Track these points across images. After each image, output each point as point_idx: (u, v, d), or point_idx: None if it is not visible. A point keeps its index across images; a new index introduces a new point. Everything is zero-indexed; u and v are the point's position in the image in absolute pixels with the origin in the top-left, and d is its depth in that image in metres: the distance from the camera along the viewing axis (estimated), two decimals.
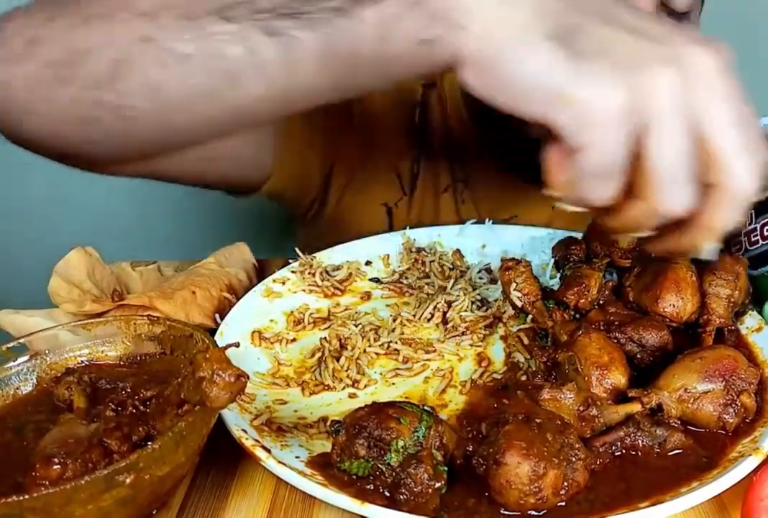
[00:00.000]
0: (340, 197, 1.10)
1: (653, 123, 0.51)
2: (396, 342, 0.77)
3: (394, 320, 0.81)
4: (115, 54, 0.62)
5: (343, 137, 1.06)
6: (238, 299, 0.82)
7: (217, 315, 0.80)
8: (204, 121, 0.66)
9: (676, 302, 0.72)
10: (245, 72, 0.60)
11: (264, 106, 0.64)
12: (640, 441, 0.60)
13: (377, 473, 0.56)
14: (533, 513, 0.54)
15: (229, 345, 0.55)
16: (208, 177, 0.92)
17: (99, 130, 0.66)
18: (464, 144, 1.08)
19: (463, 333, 0.79)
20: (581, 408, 0.59)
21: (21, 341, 0.65)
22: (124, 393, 0.60)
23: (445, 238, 0.96)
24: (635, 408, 0.60)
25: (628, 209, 0.55)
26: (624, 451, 0.59)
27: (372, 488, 0.55)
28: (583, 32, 0.52)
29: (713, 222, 0.55)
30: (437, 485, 0.54)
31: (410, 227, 0.97)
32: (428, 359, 0.76)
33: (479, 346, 0.77)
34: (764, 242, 0.79)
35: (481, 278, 0.88)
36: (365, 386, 0.72)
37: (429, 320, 0.81)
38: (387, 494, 0.55)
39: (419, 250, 0.93)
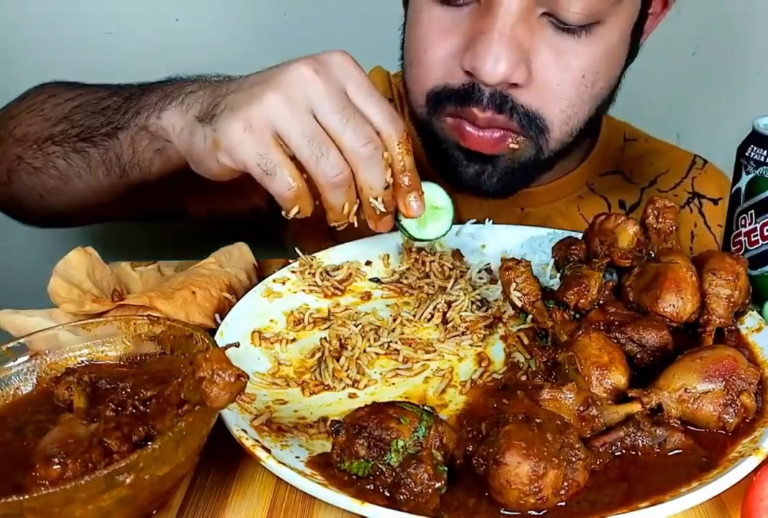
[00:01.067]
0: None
1: (280, 131, 0.70)
2: (396, 342, 0.77)
3: (394, 320, 0.81)
4: (7, 166, 0.97)
5: None
6: (238, 299, 0.82)
7: (217, 315, 0.80)
8: (64, 206, 0.98)
9: (676, 302, 0.71)
10: (70, 177, 0.92)
11: (92, 196, 0.94)
12: (640, 441, 0.60)
13: (377, 473, 0.56)
14: (533, 513, 0.54)
15: (229, 345, 0.55)
16: (139, 217, 1.17)
17: (14, 210, 1.06)
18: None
19: (463, 333, 0.79)
20: (581, 408, 0.59)
21: (21, 341, 0.65)
22: (124, 393, 0.60)
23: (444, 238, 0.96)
24: (635, 408, 0.60)
25: (322, 197, 0.74)
26: (624, 451, 0.59)
27: (372, 488, 0.55)
28: (218, 105, 0.74)
29: (365, 183, 0.73)
30: (437, 485, 0.54)
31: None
32: (428, 359, 0.76)
33: (479, 346, 0.77)
34: (764, 242, 0.79)
35: (481, 278, 0.88)
36: (365, 386, 0.72)
37: (429, 320, 0.81)
38: (387, 494, 0.55)
39: (419, 250, 0.93)
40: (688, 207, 1.15)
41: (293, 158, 0.71)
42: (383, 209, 0.75)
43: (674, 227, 0.80)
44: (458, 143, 0.94)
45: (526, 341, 0.75)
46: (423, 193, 0.78)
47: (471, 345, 0.77)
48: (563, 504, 0.55)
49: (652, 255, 0.79)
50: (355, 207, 0.75)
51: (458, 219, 1.08)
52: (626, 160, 1.17)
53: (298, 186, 0.72)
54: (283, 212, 0.74)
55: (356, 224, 0.77)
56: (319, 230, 1.01)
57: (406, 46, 0.97)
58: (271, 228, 1.15)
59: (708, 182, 1.15)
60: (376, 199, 0.74)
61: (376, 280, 0.90)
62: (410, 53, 0.95)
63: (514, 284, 0.78)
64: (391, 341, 0.77)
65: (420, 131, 1.00)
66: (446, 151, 0.96)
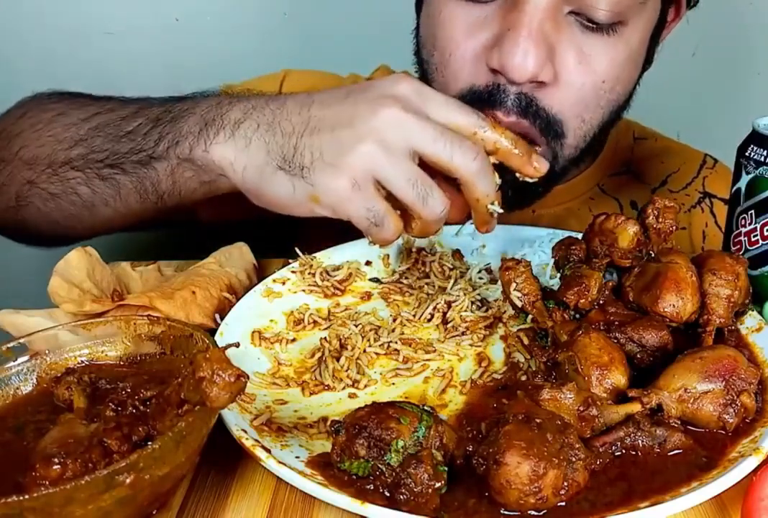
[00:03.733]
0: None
1: (380, 177, 0.71)
2: (396, 342, 0.77)
3: (394, 320, 0.81)
4: (14, 190, 0.90)
5: None
6: (238, 299, 0.82)
7: (217, 315, 0.80)
8: (85, 233, 0.93)
9: (676, 302, 0.71)
10: (95, 203, 0.86)
11: (118, 222, 0.90)
12: (640, 441, 0.60)
13: (377, 473, 0.56)
14: (533, 513, 0.54)
15: (229, 345, 0.55)
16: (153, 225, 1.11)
17: (20, 234, 0.99)
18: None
19: (463, 333, 0.79)
20: (581, 408, 0.59)
21: (21, 341, 0.65)
22: (124, 392, 0.60)
23: (444, 238, 0.96)
24: (635, 408, 0.60)
25: (418, 223, 0.76)
26: (624, 451, 0.59)
27: (372, 488, 0.55)
28: (298, 151, 0.72)
29: (478, 195, 0.76)
30: (437, 485, 0.54)
31: None
32: (428, 359, 0.76)
33: (479, 346, 0.77)
34: (764, 242, 0.79)
35: (481, 278, 0.88)
36: (365, 386, 0.72)
37: (429, 320, 0.81)
38: (387, 494, 0.55)
39: (419, 250, 0.93)
40: (699, 207, 1.14)
41: (388, 197, 0.73)
42: (500, 210, 0.77)
43: (674, 227, 0.80)
44: None
45: (526, 341, 0.75)
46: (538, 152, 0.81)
47: (471, 345, 0.77)
48: (563, 504, 0.55)
49: (652, 255, 0.78)
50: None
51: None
52: (636, 159, 1.16)
53: (400, 230, 0.75)
54: (371, 242, 0.78)
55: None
56: (329, 235, 1.02)
57: (426, 48, 0.94)
58: (275, 232, 1.16)
59: (718, 181, 1.14)
60: (493, 203, 0.76)
61: (376, 280, 0.90)
62: (435, 57, 0.92)
63: (514, 284, 0.78)
64: (391, 341, 0.77)
65: None
66: None
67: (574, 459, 0.55)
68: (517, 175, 0.80)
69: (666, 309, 0.71)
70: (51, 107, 0.93)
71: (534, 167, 0.79)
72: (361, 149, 0.70)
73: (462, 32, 0.88)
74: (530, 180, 0.79)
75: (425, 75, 0.95)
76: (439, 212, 0.73)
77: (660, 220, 0.80)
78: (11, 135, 0.93)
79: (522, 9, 0.82)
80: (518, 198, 0.94)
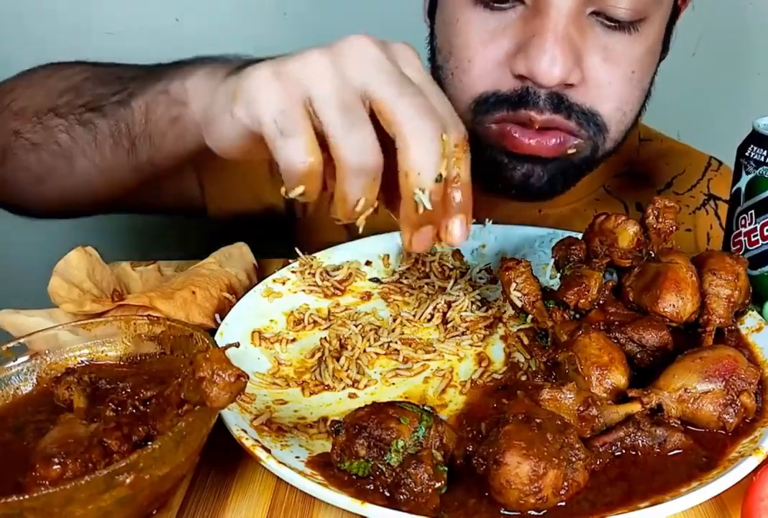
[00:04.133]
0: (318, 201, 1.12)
1: (311, 92, 0.58)
2: (396, 342, 0.77)
3: (394, 320, 0.81)
4: (2, 142, 0.87)
5: None
6: (238, 299, 0.82)
7: (217, 315, 0.80)
8: (60, 192, 0.89)
9: (676, 302, 0.71)
10: (73, 153, 0.83)
11: (95, 178, 0.85)
12: (640, 441, 0.60)
13: (377, 473, 0.56)
14: (533, 513, 0.54)
15: (229, 345, 0.55)
16: (156, 210, 1.11)
17: (6, 194, 0.93)
18: None
19: (463, 333, 0.79)
20: (581, 408, 0.59)
21: (21, 341, 0.65)
22: (124, 392, 0.60)
23: None
24: (635, 408, 0.60)
25: (332, 180, 0.60)
26: (624, 451, 0.59)
27: (372, 488, 0.55)
28: (253, 64, 0.62)
29: (409, 167, 0.58)
30: (437, 485, 0.54)
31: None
32: (428, 359, 0.76)
33: (479, 346, 0.77)
34: (764, 242, 0.79)
35: (481, 278, 0.88)
36: (365, 386, 0.72)
37: (429, 320, 0.81)
38: (387, 494, 0.55)
39: None
40: (704, 209, 1.14)
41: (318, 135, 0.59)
42: (428, 206, 0.59)
43: (674, 227, 0.80)
44: (505, 149, 0.92)
45: (526, 341, 0.75)
46: (471, 218, 0.65)
47: (471, 345, 0.77)
48: (563, 504, 0.55)
49: (652, 255, 0.78)
50: (371, 209, 0.61)
51: (476, 219, 1.08)
52: (642, 160, 1.16)
53: (311, 161, 0.58)
54: (283, 190, 0.61)
55: (360, 229, 0.63)
56: (333, 233, 1.02)
57: (442, 54, 0.94)
58: (283, 228, 1.16)
59: (723, 183, 1.14)
60: (422, 191, 0.58)
61: (376, 280, 0.90)
62: (451, 63, 0.92)
63: (514, 284, 0.78)
64: (391, 341, 0.77)
65: None
66: (491, 157, 0.94)
67: (574, 459, 0.55)
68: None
69: (666, 309, 0.71)
70: (48, 68, 0.92)
71: (447, 227, 0.63)
72: (309, 56, 0.59)
73: (480, 39, 0.88)
74: (425, 205, 0.59)
75: (440, 80, 0.95)
76: (361, 155, 0.57)
77: (660, 220, 0.80)
78: (4, 92, 0.91)
79: (546, 14, 0.82)
80: (552, 185, 0.94)
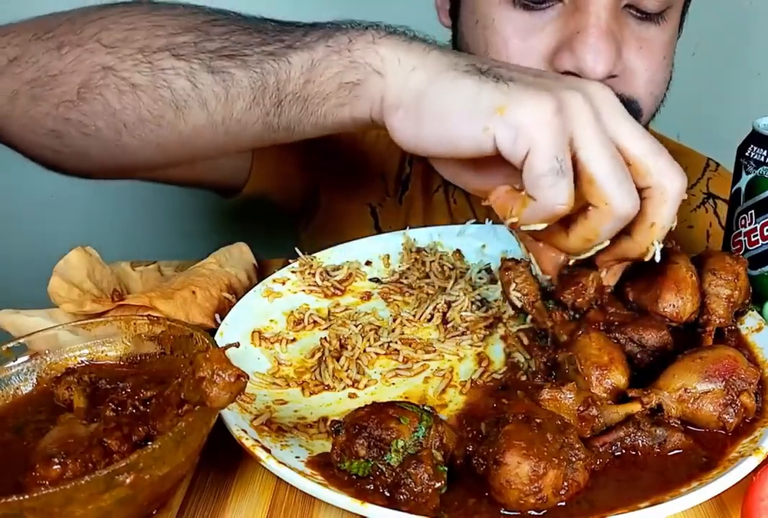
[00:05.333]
0: (328, 198, 1.13)
1: (580, 133, 0.58)
2: (396, 342, 0.77)
3: (394, 320, 0.81)
4: (80, 79, 0.71)
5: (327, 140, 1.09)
6: (238, 299, 0.82)
7: (217, 315, 0.80)
8: (152, 147, 0.74)
9: (676, 302, 0.71)
10: (189, 103, 0.69)
11: (205, 137, 0.72)
12: (640, 441, 0.60)
13: (377, 473, 0.56)
14: (533, 513, 0.54)
15: (229, 345, 0.55)
16: (191, 180, 1.00)
17: (66, 143, 0.76)
18: None
19: (463, 333, 0.79)
20: (581, 408, 0.59)
21: (21, 341, 0.65)
22: (124, 392, 0.60)
23: (445, 238, 0.96)
24: (635, 408, 0.60)
25: (584, 220, 0.61)
26: (624, 451, 0.59)
27: (372, 488, 0.55)
28: (494, 70, 0.60)
29: (658, 220, 0.62)
30: (437, 485, 0.54)
31: (401, 228, 0.97)
32: (428, 359, 0.76)
33: (479, 346, 0.77)
34: (764, 242, 0.79)
35: (481, 278, 0.88)
36: (365, 387, 0.72)
37: (429, 320, 0.81)
38: (387, 494, 0.55)
39: (419, 250, 0.93)
40: (703, 207, 1.16)
41: None
42: (658, 258, 0.65)
43: (673, 224, 0.80)
44: None
45: (526, 341, 0.75)
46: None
47: (471, 345, 0.77)
48: (563, 504, 0.55)
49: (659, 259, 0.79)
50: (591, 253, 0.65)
51: (486, 214, 1.08)
52: None
53: (571, 205, 0.58)
54: (513, 220, 0.61)
55: (571, 262, 0.69)
56: (328, 235, 1.02)
57: (477, 54, 0.93)
58: (293, 223, 1.16)
59: (722, 183, 1.17)
60: (657, 242, 0.64)
61: (376, 280, 0.90)
62: (489, 55, 0.92)
63: (513, 285, 0.78)
64: (391, 341, 0.77)
65: None
66: None
67: (574, 459, 0.55)
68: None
69: (666, 309, 0.71)
70: (141, 4, 0.77)
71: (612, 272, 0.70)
72: (573, 94, 0.58)
73: (519, 37, 0.89)
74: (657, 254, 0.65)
75: None
76: (629, 207, 0.59)
77: None
78: (88, 20, 0.74)
79: (587, 10, 0.84)
80: None
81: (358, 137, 1.12)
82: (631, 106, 0.92)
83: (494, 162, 0.61)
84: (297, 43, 0.67)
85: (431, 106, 0.61)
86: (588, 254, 0.65)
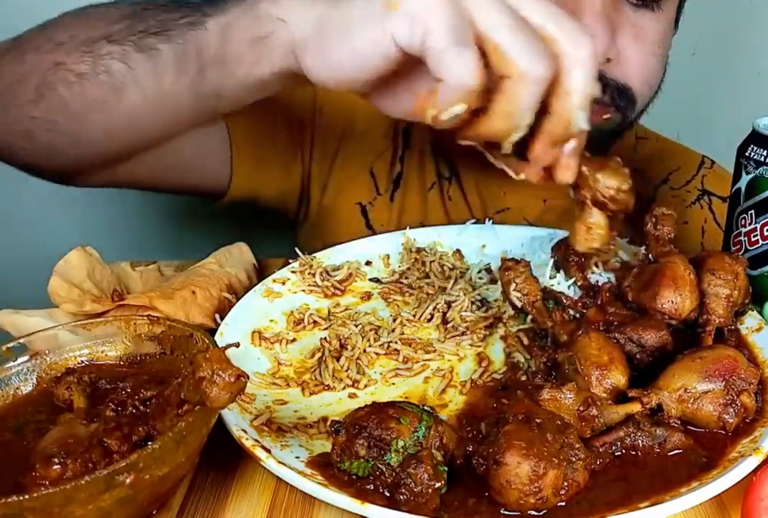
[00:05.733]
0: (320, 197, 1.13)
1: (475, 7, 0.57)
2: (396, 342, 0.77)
3: (394, 320, 0.81)
4: (38, 78, 0.77)
5: (316, 139, 1.10)
6: (238, 299, 0.82)
7: (217, 315, 0.80)
8: (104, 133, 0.80)
9: (674, 298, 0.72)
10: (125, 83, 0.74)
11: (146, 116, 0.77)
12: (640, 441, 0.60)
13: (377, 473, 0.56)
14: (533, 513, 0.54)
15: (229, 345, 0.55)
16: (175, 185, 1.03)
17: (35, 142, 0.81)
18: (450, 140, 1.09)
19: (463, 333, 0.79)
20: (581, 408, 0.59)
21: (21, 341, 0.65)
22: (124, 392, 0.60)
23: (445, 238, 0.96)
24: (635, 408, 0.60)
25: (501, 95, 0.59)
26: (624, 451, 0.59)
27: (372, 488, 0.55)
28: None
29: (572, 87, 0.59)
30: (437, 485, 0.54)
31: (393, 227, 0.97)
32: (428, 360, 0.76)
33: (479, 346, 0.77)
34: (764, 242, 0.79)
35: (481, 278, 0.88)
36: (365, 387, 0.72)
37: (429, 320, 0.81)
38: (387, 494, 0.55)
39: (419, 250, 0.93)
40: (698, 204, 1.17)
41: None
42: (585, 125, 0.61)
43: (672, 235, 0.81)
44: None
45: (526, 341, 0.75)
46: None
47: (471, 345, 0.77)
48: (563, 504, 0.55)
49: (651, 260, 0.79)
50: (524, 132, 0.61)
51: (483, 209, 1.08)
52: (639, 158, 1.19)
53: (482, 78, 0.57)
54: (433, 111, 0.60)
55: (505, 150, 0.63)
56: (336, 236, 1.02)
57: None
58: (285, 228, 1.16)
59: (717, 180, 1.17)
60: (580, 110, 0.60)
61: (376, 280, 0.90)
62: None
63: (513, 285, 0.78)
64: (391, 341, 0.77)
65: None
66: None
67: (574, 459, 0.55)
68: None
69: (665, 305, 0.72)
70: (100, 5, 0.82)
71: (565, 165, 0.65)
72: None
73: None
74: (582, 125, 0.61)
75: None
76: (540, 65, 0.57)
77: (658, 227, 0.81)
78: (53, 23, 0.81)
79: None
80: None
81: (346, 133, 1.11)
82: (625, 93, 0.93)
83: (418, 74, 0.62)
84: (214, 10, 0.70)
85: (332, 29, 0.62)
86: (518, 135, 0.61)
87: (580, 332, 0.67)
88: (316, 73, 0.64)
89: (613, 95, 0.93)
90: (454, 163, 1.12)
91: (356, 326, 0.79)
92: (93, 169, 0.90)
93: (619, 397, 0.63)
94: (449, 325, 0.80)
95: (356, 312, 0.83)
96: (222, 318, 0.78)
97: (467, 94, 0.58)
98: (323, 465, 0.58)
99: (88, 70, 0.75)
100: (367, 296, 0.88)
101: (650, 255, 0.80)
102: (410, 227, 0.97)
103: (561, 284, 0.82)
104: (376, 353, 0.76)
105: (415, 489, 0.54)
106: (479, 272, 0.89)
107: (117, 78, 0.74)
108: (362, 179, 1.13)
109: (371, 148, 1.13)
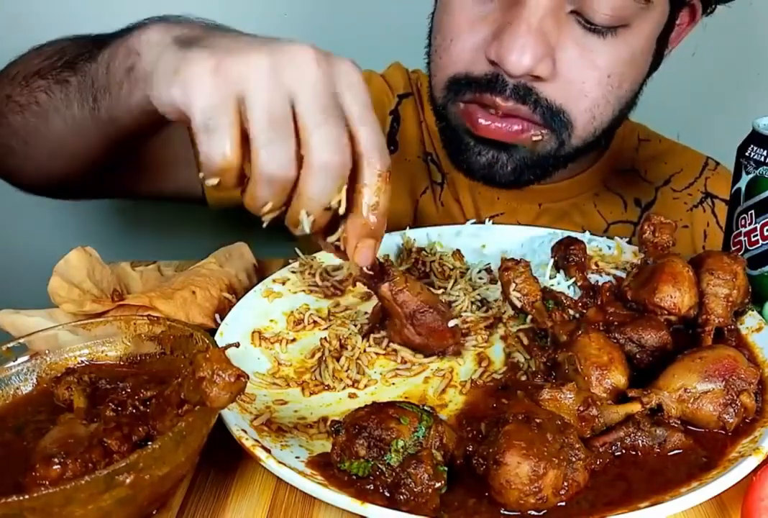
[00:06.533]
0: None
1: (248, 91, 0.59)
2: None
3: None
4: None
5: None
6: (238, 299, 0.82)
7: (217, 315, 0.80)
8: (46, 154, 0.90)
9: (673, 293, 0.72)
10: (50, 112, 0.84)
11: (71, 139, 0.86)
12: (640, 441, 0.60)
13: (377, 473, 0.56)
14: (533, 513, 0.54)
15: (229, 345, 0.55)
16: (157, 194, 1.09)
17: (4, 161, 0.96)
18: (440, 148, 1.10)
19: (463, 334, 0.79)
20: (581, 408, 0.59)
21: (21, 341, 0.65)
22: (124, 392, 0.60)
23: (445, 238, 0.96)
24: (635, 408, 0.60)
25: (250, 182, 0.61)
26: (624, 451, 0.59)
27: (372, 488, 0.55)
28: (203, 39, 0.65)
29: (304, 191, 0.60)
30: (437, 485, 0.54)
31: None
32: (429, 361, 0.75)
33: (479, 346, 0.77)
34: (764, 242, 0.79)
35: (481, 278, 0.88)
36: (365, 387, 0.72)
37: None
38: (387, 494, 0.55)
39: (419, 250, 0.93)
40: (701, 207, 1.16)
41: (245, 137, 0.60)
42: (307, 229, 0.63)
43: (671, 242, 0.81)
44: (470, 130, 0.94)
45: (525, 341, 0.75)
46: (380, 244, 0.67)
47: (471, 346, 0.77)
48: (563, 504, 0.55)
49: (649, 264, 0.79)
50: (275, 213, 0.63)
51: (476, 214, 1.08)
52: (641, 160, 1.18)
53: (229, 160, 0.59)
54: (201, 175, 0.62)
55: (264, 225, 0.65)
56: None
57: (433, 33, 0.98)
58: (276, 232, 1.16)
59: (720, 182, 1.16)
60: (307, 214, 0.62)
61: None
62: (437, 40, 0.96)
63: (513, 285, 0.78)
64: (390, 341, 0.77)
65: (438, 118, 1.01)
66: (458, 137, 0.97)
67: (574, 459, 0.55)
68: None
69: (664, 300, 0.72)
70: (54, 41, 0.93)
71: (357, 246, 0.65)
72: (253, 56, 0.60)
73: (466, 21, 0.91)
74: (305, 228, 0.63)
75: (428, 56, 0.99)
76: (274, 167, 0.59)
77: (656, 234, 0.82)
78: (16, 59, 0.94)
79: (523, 5, 0.84)
80: (518, 175, 0.96)
81: None
82: (558, 116, 0.90)
83: None
84: (104, 44, 0.77)
85: (153, 78, 0.65)
86: (266, 217, 0.64)
87: (580, 332, 0.67)
88: (157, 106, 0.66)
89: (545, 116, 0.90)
90: (445, 168, 1.12)
91: (356, 326, 0.79)
92: (69, 185, 0.98)
93: (619, 397, 0.63)
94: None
95: (356, 312, 0.83)
96: (222, 318, 0.78)
97: (219, 170, 0.60)
98: (323, 465, 0.58)
99: (25, 101, 0.87)
100: (367, 296, 0.87)
101: (648, 261, 0.81)
102: (410, 227, 0.97)
103: (561, 284, 0.82)
104: (376, 353, 0.76)
105: (415, 489, 0.54)
106: (479, 272, 0.89)
107: (43, 107, 0.85)
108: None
109: None
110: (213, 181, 0.61)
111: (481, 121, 0.91)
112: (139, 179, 1.01)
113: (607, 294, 0.78)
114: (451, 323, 0.73)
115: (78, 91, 0.81)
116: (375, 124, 0.63)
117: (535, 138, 0.92)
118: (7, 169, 0.97)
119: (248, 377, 0.53)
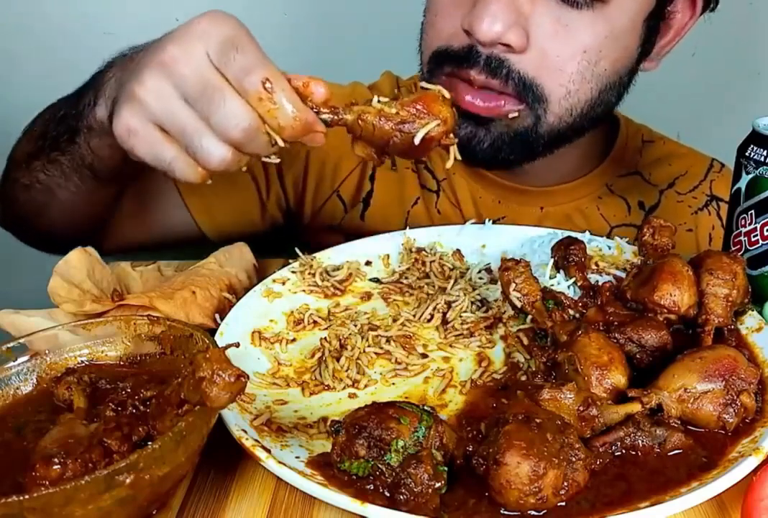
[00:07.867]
0: (297, 221, 1.15)
1: (159, 121, 0.66)
2: (394, 342, 0.77)
3: (394, 321, 0.81)
4: (8, 190, 0.99)
5: (289, 167, 1.12)
6: (238, 299, 0.82)
7: (217, 315, 0.80)
8: (56, 223, 0.99)
9: (673, 292, 0.72)
10: (51, 186, 0.92)
11: (80, 206, 0.95)
12: (640, 441, 0.60)
13: (377, 473, 0.56)
14: (533, 513, 0.54)
15: (229, 345, 0.55)
16: (159, 243, 1.12)
17: (19, 224, 1.06)
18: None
19: (463, 334, 0.79)
20: (581, 408, 0.59)
21: (21, 341, 0.65)
22: (124, 392, 0.60)
23: (445, 238, 0.96)
24: (635, 408, 0.60)
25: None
26: (624, 451, 0.59)
27: (372, 488, 0.55)
28: (119, 97, 0.71)
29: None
30: (437, 485, 0.54)
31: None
32: (429, 361, 0.75)
33: (479, 346, 0.77)
34: (764, 242, 0.79)
35: (481, 278, 0.88)
36: (365, 387, 0.72)
37: (429, 320, 0.81)
38: (387, 494, 0.55)
39: (419, 250, 0.93)
40: (706, 210, 1.15)
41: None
42: (282, 143, 0.66)
43: (671, 245, 0.81)
44: None
45: (525, 341, 0.75)
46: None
47: (471, 346, 0.77)
48: (563, 504, 0.55)
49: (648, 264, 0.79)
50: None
51: (477, 217, 1.08)
52: (644, 162, 1.17)
53: (200, 172, 0.68)
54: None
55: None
56: (337, 238, 1.03)
57: (425, 8, 0.99)
58: (275, 232, 1.17)
59: (726, 185, 1.14)
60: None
61: (376, 280, 0.90)
62: (426, 17, 0.97)
63: (513, 285, 0.78)
64: (390, 340, 0.77)
65: None
66: None
67: (574, 459, 0.55)
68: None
69: (664, 299, 0.72)
70: (40, 115, 1.00)
71: (311, 86, 0.67)
72: (138, 92, 0.67)
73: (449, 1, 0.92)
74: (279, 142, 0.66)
75: (420, 33, 1.00)
76: (215, 160, 0.65)
77: (656, 237, 0.82)
78: (14, 147, 1.01)
79: None
80: (494, 152, 0.95)
81: (311, 155, 1.12)
82: (532, 89, 0.90)
83: None
84: (77, 125, 0.85)
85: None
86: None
87: (580, 332, 0.67)
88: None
89: (518, 89, 0.89)
90: (442, 173, 1.11)
91: (356, 326, 0.79)
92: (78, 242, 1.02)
93: (619, 397, 0.63)
94: (449, 325, 0.80)
95: (356, 312, 0.83)
96: (222, 318, 0.78)
97: (202, 181, 0.69)
98: (323, 465, 0.58)
99: (28, 182, 0.95)
100: (367, 296, 0.88)
101: (648, 262, 0.81)
102: (410, 228, 0.97)
103: (561, 284, 0.82)
104: (376, 354, 0.76)
105: (415, 489, 0.54)
106: (479, 272, 0.89)
107: (45, 185, 0.93)
108: (331, 203, 1.13)
109: (337, 169, 1.12)
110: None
111: (461, 93, 0.91)
112: (135, 224, 1.07)
113: (607, 294, 0.78)
114: (417, 139, 0.69)
115: (73, 168, 0.89)
116: (251, 55, 0.67)
117: (511, 115, 0.92)
118: (23, 232, 1.07)
119: (248, 378, 0.53)
